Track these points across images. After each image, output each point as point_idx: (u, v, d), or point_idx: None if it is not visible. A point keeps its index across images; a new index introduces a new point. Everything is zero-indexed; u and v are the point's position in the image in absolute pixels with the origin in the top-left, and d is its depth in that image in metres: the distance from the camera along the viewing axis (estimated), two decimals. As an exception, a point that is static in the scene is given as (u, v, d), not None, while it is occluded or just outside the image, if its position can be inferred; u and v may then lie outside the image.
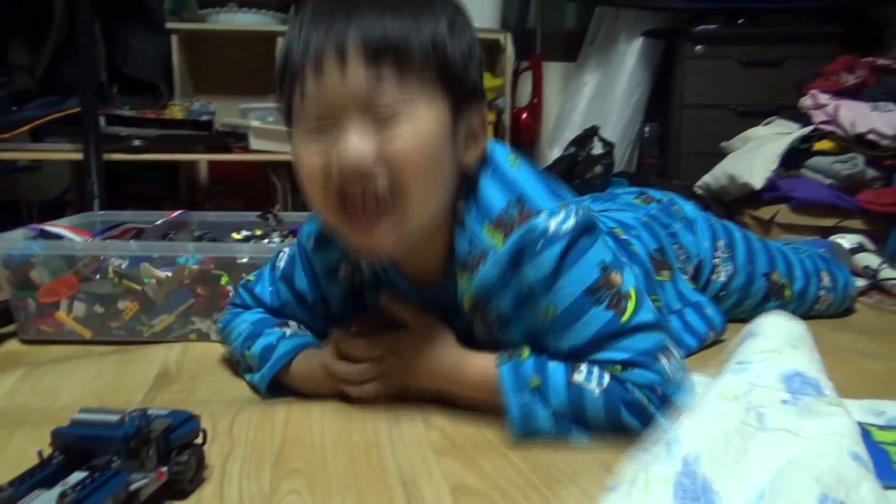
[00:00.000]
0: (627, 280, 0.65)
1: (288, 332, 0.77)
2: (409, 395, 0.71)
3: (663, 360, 0.63)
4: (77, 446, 0.49)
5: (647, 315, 0.64)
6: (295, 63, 0.60)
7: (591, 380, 0.62)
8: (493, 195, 0.65)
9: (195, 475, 0.55)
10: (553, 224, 0.63)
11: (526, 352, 0.66)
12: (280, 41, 2.19)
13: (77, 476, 0.48)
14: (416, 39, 0.59)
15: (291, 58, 0.61)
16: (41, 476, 0.48)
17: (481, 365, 0.67)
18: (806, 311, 1.05)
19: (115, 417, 0.50)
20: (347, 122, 0.59)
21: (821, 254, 1.14)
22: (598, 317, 0.63)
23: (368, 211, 0.60)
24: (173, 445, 0.53)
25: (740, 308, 1.02)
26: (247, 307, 0.82)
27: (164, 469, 0.51)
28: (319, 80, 0.59)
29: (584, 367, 0.63)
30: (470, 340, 0.71)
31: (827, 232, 1.47)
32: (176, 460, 0.52)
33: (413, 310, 0.71)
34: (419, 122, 0.59)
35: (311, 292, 0.78)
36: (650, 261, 0.88)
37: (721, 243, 0.99)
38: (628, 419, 0.62)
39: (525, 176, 0.66)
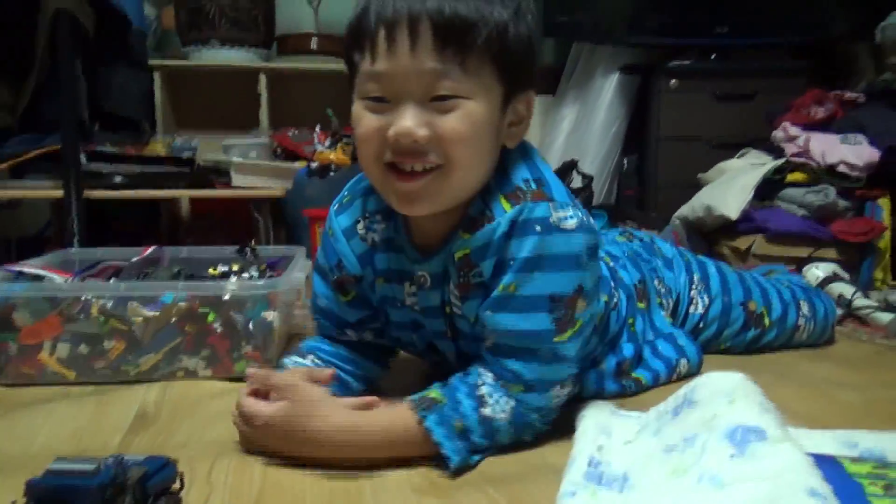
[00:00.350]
0: (584, 313, 0.69)
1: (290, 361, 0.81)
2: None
3: (555, 390, 0.70)
4: (52, 497, 0.49)
5: (572, 348, 0.70)
6: (369, 31, 0.63)
7: (497, 410, 0.67)
8: (518, 171, 0.70)
9: None
10: (556, 216, 0.66)
11: (435, 394, 0.68)
12: (262, 77, 2.22)
13: None
14: (485, 25, 0.62)
15: (366, 24, 0.64)
16: None
17: (392, 421, 0.66)
18: (787, 339, 1.08)
19: (90, 466, 0.49)
20: (408, 100, 0.63)
21: (801, 284, 1.16)
22: (540, 321, 0.67)
23: (416, 179, 0.65)
24: (150, 493, 0.52)
25: (721, 338, 1.05)
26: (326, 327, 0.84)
27: None
28: (389, 57, 0.62)
29: (489, 395, 0.67)
30: (441, 322, 0.77)
31: (802, 261, 1.50)
32: None
33: (290, 380, 0.68)
34: (474, 105, 0.63)
35: (333, 270, 0.80)
36: (634, 288, 0.92)
37: (696, 276, 1.04)
38: (526, 436, 0.70)
39: (549, 170, 0.72)
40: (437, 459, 0.65)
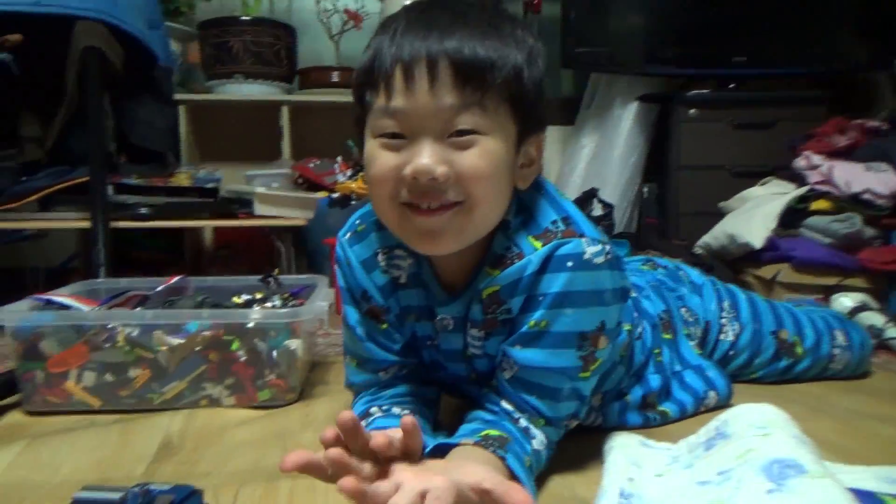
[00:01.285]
0: (604, 351, 0.69)
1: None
2: None
3: (566, 422, 0.71)
4: None
5: (590, 386, 0.70)
6: (384, 70, 0.62)
7: (539, 443, 0.67)
8: (544, 212, 0.70)
9: None
10: (589, 251, 0.66)
11: (494, 432, 0.65)
12: (284, 110, 2.26)
13: None
14: (503, 66, 0.62)
15: (380, 63, 0.62)
16: None
17: (481, 459, 0.61)
18: (822, 369, 1.06)
19: (116, 496, 0.50)
20: (426, 136, 0.62)
21: (835, 314, 1.14)
22: (569, 357, 0.67)
23: (436, 215, 0.63)
24: None
25: (751, 367, 1.03)
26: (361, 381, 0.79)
27: None
28: (406, 94, 0.61)
29: (529, 428, 0.67)
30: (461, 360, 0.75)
31: (829, 290, 1.48)
32: None
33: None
34: (492, 142, 0.63)
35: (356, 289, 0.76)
36: (658, 319, 0.91)
37: (726, 304, 1.02)
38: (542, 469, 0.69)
39: (572, 206, 0.71)
40: None
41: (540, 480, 0.68)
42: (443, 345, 0.76)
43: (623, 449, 0.72)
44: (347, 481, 0.50)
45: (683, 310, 0.97)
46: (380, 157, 0.64)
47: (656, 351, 0.88)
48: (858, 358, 1.08)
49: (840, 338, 1.06)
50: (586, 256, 0.65)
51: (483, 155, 0.62)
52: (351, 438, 0.55)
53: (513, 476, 0.61)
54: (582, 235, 0.67)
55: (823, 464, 0.59)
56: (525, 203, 0.70)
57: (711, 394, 0.90)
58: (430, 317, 0.76)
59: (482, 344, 0.73)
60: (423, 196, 0.62)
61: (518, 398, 0.68)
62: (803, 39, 2.25)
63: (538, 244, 0.67)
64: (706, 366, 0.92)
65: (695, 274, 1.05)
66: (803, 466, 0.56)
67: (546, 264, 0.66)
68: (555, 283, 0.65)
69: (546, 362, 0.67)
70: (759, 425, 0.65)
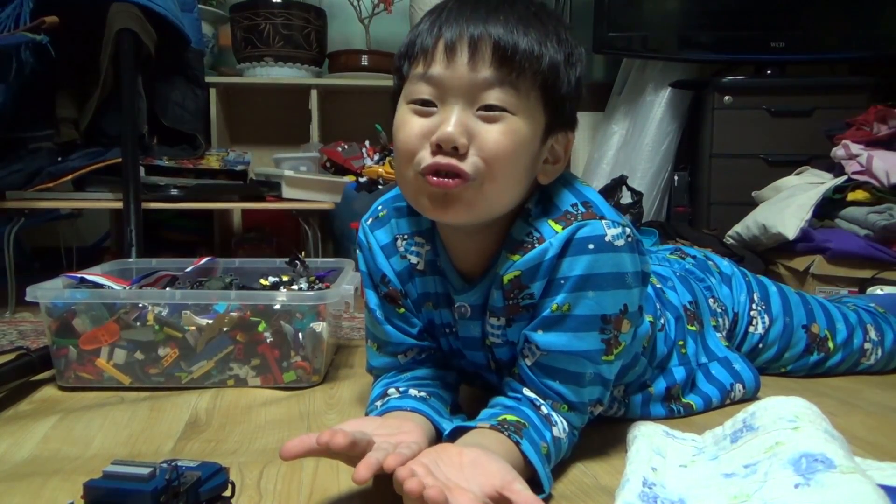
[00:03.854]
0: (627, 335, 0.69)
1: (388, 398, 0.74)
2: None
3: (590, 408, 0.71)
4: (108, 500, 0.50)
5: (613, 370, 0.70)
6: (427, 43, 0.65)
7: (560, 430, 0.67)
8: (563, 198, 0.69)
9: None
10: (610, 233, 0.65)
11: (512, 417, 0.65)
12: (313, 93, 2.27)
13: None
14: (539, 59, 0.63)
15: (423, 38, 0.65)
16: None
17: (496, 443, 0.61)
18: (853, 364, 1.04)
19: (146, 471, 0.50)
20: (455, 106, 0.63)
21: (869, 308, 1.10)
22: (592, 341, 0.67)
23: (451, 182, 0.63)
24: (202, 499, 0.53)
25: (781, 361, 1.01)
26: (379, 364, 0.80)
27: None
28: (446, 64, 0.63)
29: (551, 415, 0.67)
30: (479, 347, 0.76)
31: (864, 283, 1.44)
32: None
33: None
34: (519, 122, 0.64)
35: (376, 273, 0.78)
36: (683, 310, 0.90)
37: (756, 296, 1.00)
38: (566, 456, 0.70)
39: (592, 191, 0.71)
40: None
41: (563, 468, 0.68)
42: (461, 332, 0.76)
43: (647, 438, 0.72)
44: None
45: (711, 300, 0.95)
46: (409, 122, 0.65)
47: (680, 342, 0.87)
48: (891, 353, 1.05)
49: (872, 332, 1.04)
50: (607, 238, 0.65)
51: (508, 133, 0.63)
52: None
53: (527, 462, 0.61)
54: (602, 217, 0.66)
55: (854, 459, 0.58)
56: (545, 191, 0.70)
57: (738, 386, 0.89)
58: (449, 304, 0.76)
59: (503, 332, 0.72)
60: (441, 165, 0.63)
61: (540, 384, 0.68)
62: (844, 24, 2.18)
63: (558, 227, 0.66)
64: (733, 358, 0.91)
65: (724, 264, 1.03)
66: (833, 461, 0.55)
67: (567, 247, 0.65)
68: (576, 266, 0.65)
69: (569, 346, 0.66)
70: (788, 418, 0.64)
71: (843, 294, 1.33)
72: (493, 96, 0.63)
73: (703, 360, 0.89)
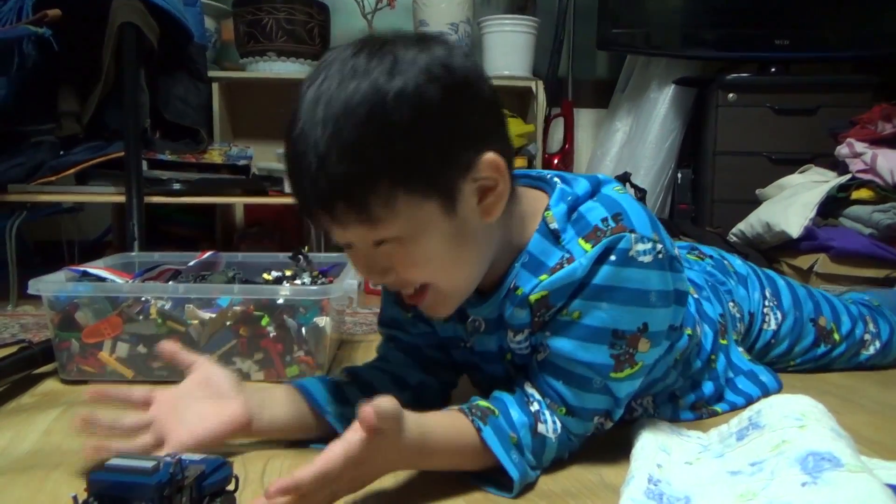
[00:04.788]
0: (647, 355, 0.66)
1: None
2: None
3: (597, 419, 0.68)
4: (111, 492, 0.49)
5: (625, 388, 0.67)
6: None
7: (548, 429, 0.65)
8: (594, 210, 0.66)
9: None
10: (636, 248, 0.63)
11: (485, 404, 0.65)
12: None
13: None
14: (370, 177, 0.56)
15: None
16: None
17: (450, 427, 0.62)
18: (853, 354, 1.04)
19: (149, 464, 0.50)
20: (359, 250, 0.63)
21: (864, 301, 1.12)
22: (599, 353, 0.65)
23: (418, 297, 0.66)
24: (206, 492, 0.53)
25: (791, 355, 1.01)
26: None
27: None
28: (327, 228, 0.62)
29: (541, 412, 0.66)
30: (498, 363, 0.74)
31: (872, 283, 1.44)
32: None
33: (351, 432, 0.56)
34: (412, 243, 0.60)
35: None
36: (717, 324, 0.88)
37: (768, 292, 0.99)
38: (563, 456, 0.68)
39: (629, 201, 0.67)
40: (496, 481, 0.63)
41: (567, 465, 0.68)
42: (477, 346, 0.74)
43: (652, 435, 0.71)
44: None
45: (731, 303, 0.93)
46: (351, 259, 0.66)
47: (712, 357, 0.84)
48: (885, 345, 1.06)
49: (871, 325, 1.05)
50: (631, 253, 0.63)
51: (409, 257, 0.61)
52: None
53: (485, 447, 0.61)
54: (632, 231, 0.63)
55: (861, 458, 0.57)
56: (577, 204, 0.67)
57: (762, 396, 0.88)
58: (461, 319, 0.74)
59: (527, 344, 0.70)
60: (399, 292, 0.65)
61: (544, 381, 0.67)
62: (849, 22, 2.17)
63: (588, 246, 0.64)
64: (758, 370, 0.90)
65: (738, 263, 1.02)
66: (840, 460, 0.55)
67: (602, 259, 0.63)
68: (596, 275, 0.63)
69: (574, 353, 0.65)
70: (795, 417, 0.64)
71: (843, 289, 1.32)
72: (374, 235, 0.59)
73: (730, 374, 0.88)
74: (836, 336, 1.02)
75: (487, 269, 0.68)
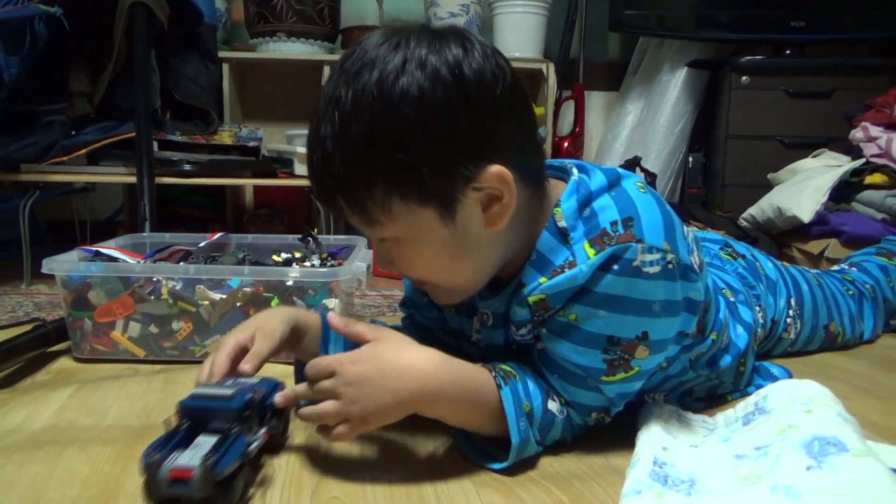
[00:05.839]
0: (645, 361, 0.65)
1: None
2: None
3: (595, 415, 0.68)
4: (199, 415, 0.57)
5: (616, 390, 0.66)
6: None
7: (556, 407, 0.66)
8: (607, 211, 0.63)
9: (283, 433, 0.67)
10: (641, 259, 0.61)
11: (508, 368, 0.66)
12: (326, 69, 2.26)
13: (204, 439, 0.55)
14: (366, 181, 0.58)
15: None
16: (175, 441, 0.56)
17: (475, 374, 0.63)
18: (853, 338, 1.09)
19: (229, 391, 0.59)
20: (375, 245, 0.68)
21: (864, 288, 1.12)
22: (592, 358, 0.64)
23: (423, 288, 0.70)
24: (267, 410, 0.62)
25: (790, 348, 1.02)
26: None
27: (266, 430, 0.61)
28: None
29: (551, 391, 0.67)
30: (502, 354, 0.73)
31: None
32: (271, 423, 0.63)
33: (363, 325, 0.64)
34: (410, 246, 0.63)
35: None
36: (752, 332, 0.86)
37: (793, 301, 0.99)
38: (565, 439, 0.68)
39: (648, 204, 0.64)
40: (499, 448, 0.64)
41: (572, 448, 0.68)
42: (485, 340, 0.74)
43: (657, 418, 0.72)
44: None
45: (757, 308, 0.92)
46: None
47: (742, 361, 0.82)
48: (862, 334, 1.10)
49: (859, 324, 1.09)
50: (636, 263, 0.61)
51: (406, 258, 0.64)
52: None
53: (500, 407, 0.62)
54: (640, 241, 0.61)
55: (866, 443, 0.58)
56: (590, 199, 0.65)
57: None
58: (470, 313, 0.74)
59: (531, 336, 0.70)
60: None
61: (541, 372, 0.67)
62: (866, 3, 2.14)
63: (592, 252, 0.62)
64: (768, 365, 0.89)
65: (770, 267, 1.00)
66: (845, 444, 0.55)
67: (606, 267, 0.62)
68: (598, 282, 0.61)
69: (567, 356, 0.64)
70: (801, 402, 0.64)
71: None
72: (376, 233, 0.64)
73: (752, 376, 0.87)
74: (840, 339, 1.06)
75: (502, 265, 0.67)
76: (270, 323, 0.70)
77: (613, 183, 0.66)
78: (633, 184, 0.66)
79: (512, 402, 0.62)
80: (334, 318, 0.65)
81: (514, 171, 0.60)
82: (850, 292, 1.09)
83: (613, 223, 0.62)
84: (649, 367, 0.66)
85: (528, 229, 0.66)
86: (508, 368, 0.66)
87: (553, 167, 0.72)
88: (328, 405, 0.59)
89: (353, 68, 0.58)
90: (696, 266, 0.66)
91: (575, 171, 0.68)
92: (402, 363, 0.60)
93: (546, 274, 0.64)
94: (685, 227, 0.68)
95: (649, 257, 0.61)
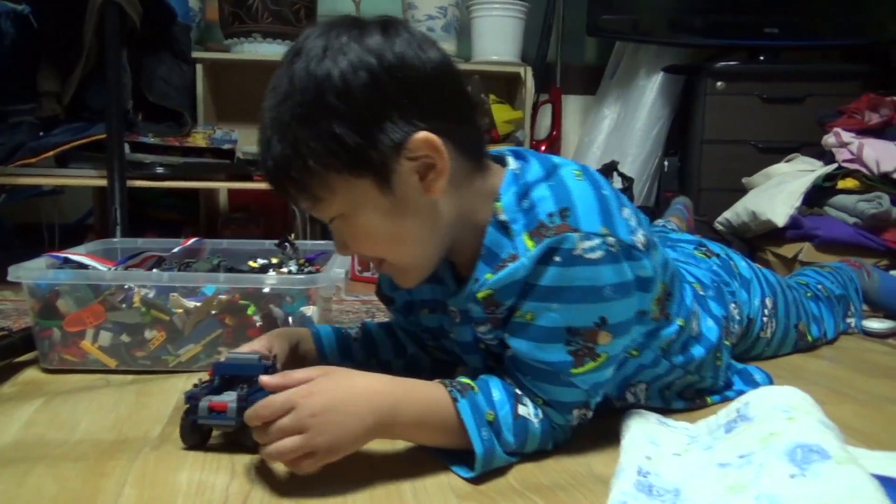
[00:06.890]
0: (610, 346, 0.65)
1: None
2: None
3: (576, 412, 0.68)
4: (229, 374, 0.68)
5: (588, 380, 0.66)
6: None
7: (530, 412, 0.66)
8: (544, 202, 0.65)
9: None
10: (580, 246, 0.62)
11: (467, 381, 0.66)
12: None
13: (232, 393, 0.66)
14: (300, 158, 0.61)
15: None
16: (208, 389, 0.68)
17: (429, 393, 0.64)
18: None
19: (255, 357, 0.69)
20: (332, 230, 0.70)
21: (819, 294, 1.16)
22: (556, 352, 0.64)
23: (381, 270, 0.72)
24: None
25: (766, 349, 1.04)
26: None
27: None
28: None
29: (522, 396, 0.67)
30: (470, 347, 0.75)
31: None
32: None
33: (300, 370, 0.62)
34: (354, 220, 0.65)
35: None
36: (722, 324, 0.87)
37: (768, 300, 1.00)
38: (548, 446, 0.68)
39: (584, 191, 0.65)
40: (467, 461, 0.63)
41: (555, 456, 0.68)
42: (457, 337, 0.76)
43: (640, 427, 0.71)
44: None
45: (733, 304, 0.93)
46: None
47: (717, 354, 0.83)
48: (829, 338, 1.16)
49: (823, 324, 1.14)
50: (576, 252, 0.61)
51: (352, 232, 0.67)
52: None
53: (459, 420, 0.62)
54: (576, 230, 0.62)
55: (847, 449, 0.58)
56: (528, 190, 0.66)
57: None
58: (445, 309, 0.75)
59: (494, 335, 0.70)
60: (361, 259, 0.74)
61: (515, 376, 0.68)
62: (839, 10, 2.17)
63: (531, 244, 0.63)
64: (751, 369, 0.90)
65: (743, 265, 1.01)
66: (828, 451, 0.55)
67: (536, 261, 0.63)
68: (544, 276, 0.62)
69: (532, 353, 0.65)
70: (783, 408, 0.64)
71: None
72: (320, 212, 0.66)
73: (729, 374, 0.88)
74: (809, 338, 1.09)
75: (449, 245, 0.69)
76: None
77: (550, 172, 0.67)
78: (569, 171, 0.68)
79: (470, 413, 0.63)
80: (265, 379, 0.62)
81: (447, 140, 0.63)
82: (809, 294, 1.14)
83: (550, 214, 0.63)
84: (616, 352, 0.67)
85: (472, 206, 0.67)
86: (466, 381, 0.66)
87: (491, 156, 0.72)
88: (293, 441, 0.58)
89: (287, 58, 0.63)
90: (639, 244, 0.66)
91: (511, 160, 0.70)
92: (359, 388, 0.62)
93: (492, 269, 0.65)
94: (627, 209, 0.68)
95: (588, 244, 0.62)
